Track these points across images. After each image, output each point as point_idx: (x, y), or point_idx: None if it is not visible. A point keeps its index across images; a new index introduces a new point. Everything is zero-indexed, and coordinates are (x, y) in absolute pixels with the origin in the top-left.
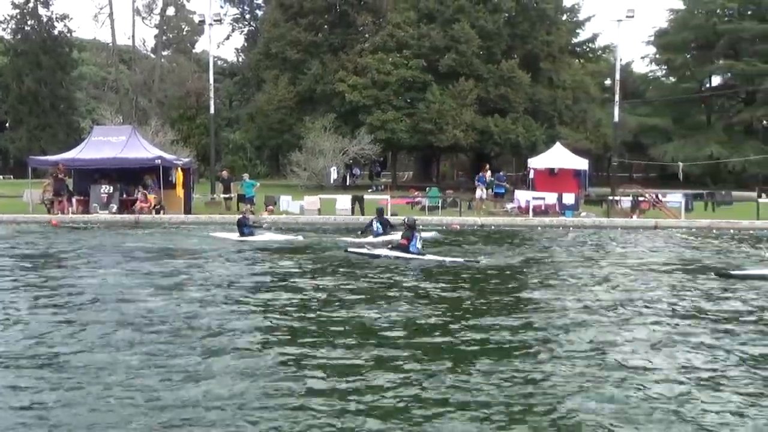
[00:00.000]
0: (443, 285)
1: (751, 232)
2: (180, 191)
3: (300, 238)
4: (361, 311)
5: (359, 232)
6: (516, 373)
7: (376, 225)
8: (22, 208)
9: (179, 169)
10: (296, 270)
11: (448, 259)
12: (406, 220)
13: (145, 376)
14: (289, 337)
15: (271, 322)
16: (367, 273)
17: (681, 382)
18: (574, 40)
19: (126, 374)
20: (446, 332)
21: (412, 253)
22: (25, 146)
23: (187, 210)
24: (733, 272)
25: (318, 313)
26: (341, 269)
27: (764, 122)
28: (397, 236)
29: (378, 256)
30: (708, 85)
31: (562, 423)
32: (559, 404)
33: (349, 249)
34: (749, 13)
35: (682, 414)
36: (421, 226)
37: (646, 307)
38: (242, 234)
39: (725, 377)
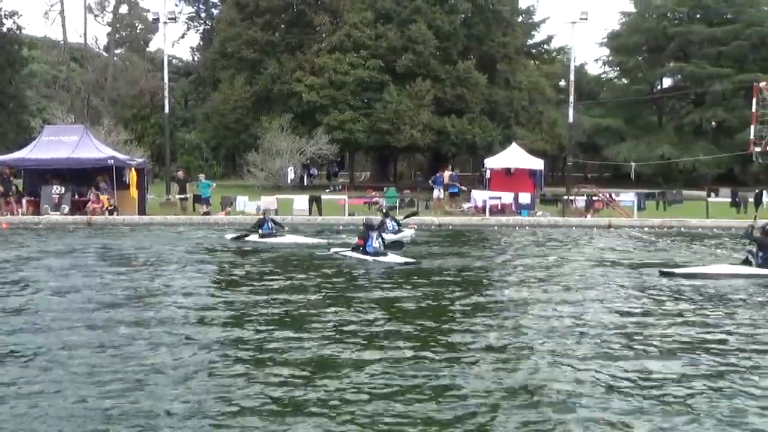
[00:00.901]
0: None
1: (700, 230)
2: (134, 192)
3: (325, 241)
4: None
5: None
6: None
7: (391, 224)
8: None
9: (133, 169)
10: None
11: (402, 259)
12: (365, 220)
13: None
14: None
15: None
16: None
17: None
18: (530, 42)
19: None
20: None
21: (368, 253)
22: None
23: (141, 211)
24: (676, 271)
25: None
26: (296, 270)
27: (713, 123)
28: (406, 233)
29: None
30: (659, 87)
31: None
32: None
33: (332, 250)
34: (698, 16)
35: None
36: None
37: (584, 300)
38: (261, 235)
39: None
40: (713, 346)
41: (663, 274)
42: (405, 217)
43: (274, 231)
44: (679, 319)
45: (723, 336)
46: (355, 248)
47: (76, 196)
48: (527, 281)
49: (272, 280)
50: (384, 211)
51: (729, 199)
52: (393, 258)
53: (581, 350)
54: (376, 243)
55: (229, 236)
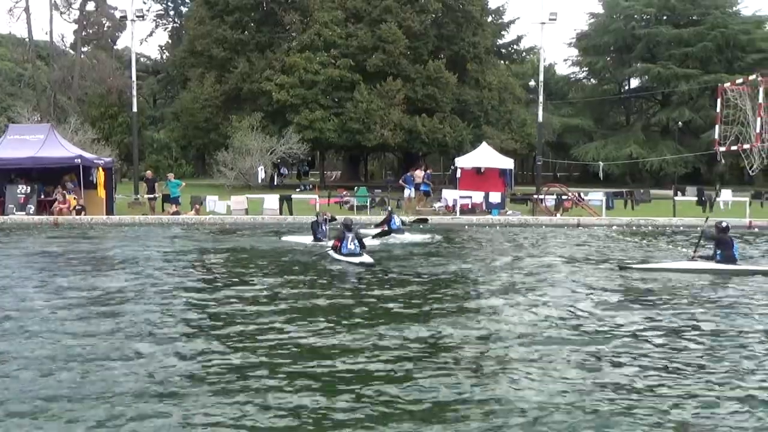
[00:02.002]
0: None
1: (668, 228)
2: (101, 192)
3: (375, 242)
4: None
5: (373, 226)
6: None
7: (399, 221)
8: None
9: (100, 168)
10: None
11: (358, 260)
12: (343, 219)
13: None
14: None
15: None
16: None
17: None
18: (500, 42)
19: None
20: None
21: (343, 254)
22: None
23: (109, 211)
24: (634, 266)
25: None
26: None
27: (679, 123)
28: (408, 235)
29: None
30: (627, 87)
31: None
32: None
33: (326, 250)
34: (665, 18)
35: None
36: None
37: (546, 295)
38: (316, 238)
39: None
40: (666, 336)
41: (622, 268)
42: (412, 222)
43: (328, 235)
44: (633, 313)
45: (674, 327)
46: (333, 248)
47: (43, 196)
48: (490, 280)
49: (235, 278)
50: (390, 209)
51: (695, 198)
52: (364, 258)
53: (540, 344)
54: (351, 245)
55: (287, 239)
